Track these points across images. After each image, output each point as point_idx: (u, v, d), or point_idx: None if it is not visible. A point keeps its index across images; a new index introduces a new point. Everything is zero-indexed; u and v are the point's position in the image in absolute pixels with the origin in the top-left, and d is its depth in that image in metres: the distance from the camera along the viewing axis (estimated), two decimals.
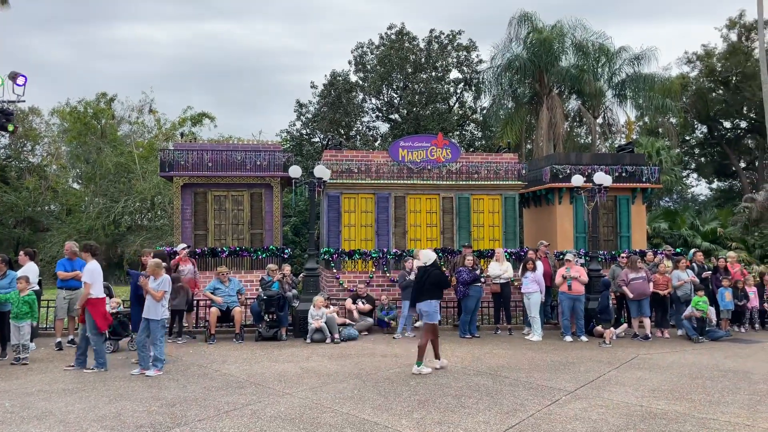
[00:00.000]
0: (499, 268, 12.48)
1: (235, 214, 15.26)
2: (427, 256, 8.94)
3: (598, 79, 26.48)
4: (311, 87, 30.14)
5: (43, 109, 35.24)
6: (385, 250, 14.33)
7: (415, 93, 28.81)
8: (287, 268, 12.30)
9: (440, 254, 14.27)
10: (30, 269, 10.13)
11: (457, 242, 15.04)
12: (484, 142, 30.94)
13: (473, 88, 30.68)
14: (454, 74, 30.71)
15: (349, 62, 30.50)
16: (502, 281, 12.40)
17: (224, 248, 14.54)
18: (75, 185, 33.83)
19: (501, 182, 15.41)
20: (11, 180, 31.41)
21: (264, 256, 14.52)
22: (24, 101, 12.91)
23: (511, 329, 12.45)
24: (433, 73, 29.40)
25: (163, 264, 8.86)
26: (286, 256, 14.65)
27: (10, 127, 12.42)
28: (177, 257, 11.71)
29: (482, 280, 12.26)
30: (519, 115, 26.65)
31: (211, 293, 11.44)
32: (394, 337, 11.62)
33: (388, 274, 14.03)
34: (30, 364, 9.02)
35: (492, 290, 12.69)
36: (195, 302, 12.09)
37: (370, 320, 12.30)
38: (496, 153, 16.57)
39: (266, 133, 37.71)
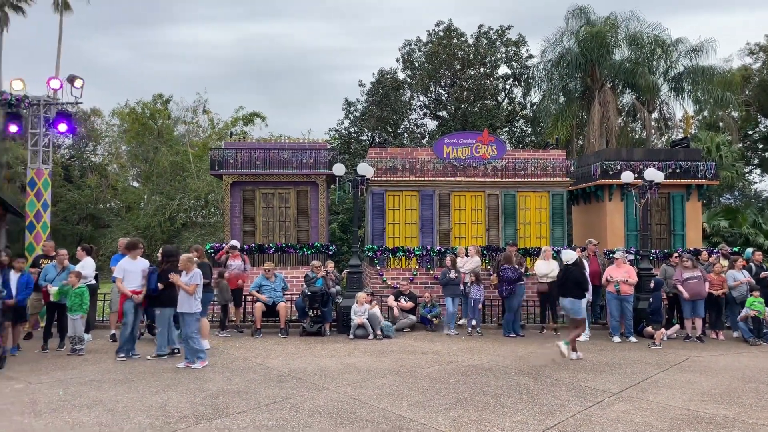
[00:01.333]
0: (546, 267, 12.25)
1: (282, 212, 15.54)
2: (568, 255, 9.65)
3: (653, 73, 25.63)
4: (359, 85, 30.38)
5: (103, 110, 36.77)
6: (429, 247, 14.29)
7: (463, 89, 28.60)
8: (330, 265, 12.45)
9: (485, 252, 14.15)
10: (86, 264, 10.59)
11: (502, 240, 14.86)
12: (533, 138, 30.43)
13: (523, 84, 30.23)
14: (503, 70, 30.35)
15: (397, 60, 30.55)
16: (548, 280, 12.18)
17: (271, 245, 14.83)
18: (134, 183, 35.12)
19: (548, 179, 15.13)
20: (75, 179, 32.87)
21: (309, 252, 14.72)
22: (81, 103, 13.52)
23: (557, 329, 12.22)
24: (482, 69, 29.11)
25: (194, 257, 9.26)
26: (330, 253, 14.81)
27: (62, 127, 12.98)
28: (221, 252, 12.09)
29: (524, 278, 12.08)
30: (570, 111, 26.08)
31: (257, 290, 11.70)
32: (448, 334, 11.59)
33: (431, 272, 13.99)
34: (85, 355, 9.44)
35: (539, 289, 12.46)
36: (243, 297, 12.39)
37: (413, 317, 12.31)
38: (544, 149, 16.27)
39: (315, 131, 38.39)
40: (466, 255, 12.64)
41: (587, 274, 10.49)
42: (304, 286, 11.86)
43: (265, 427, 5.82)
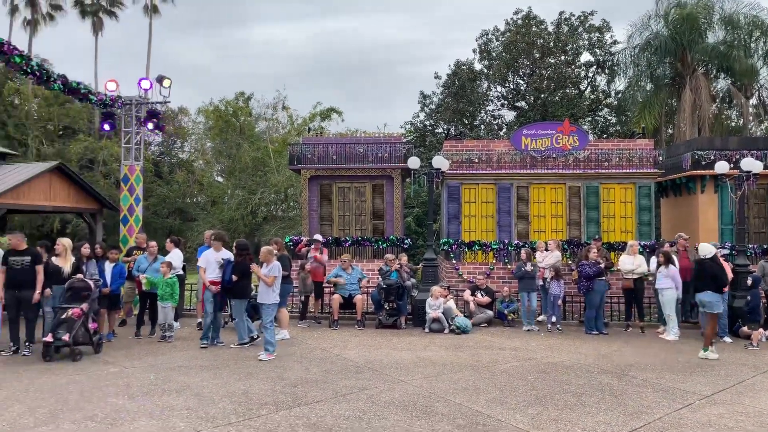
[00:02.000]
0: (631, 262, 11.71)
1: (358, 205, 15.70)
2: (706, 250, 9.66)
3: (751, 56, 23.91)
4: (435, 77, 30.17)
5: (190, 109, 38.51)
6: (506, 241, 14.01)
7: (543, 79, 27.82)
8: (404, 258, 12.45)
9: (565, 246, 13.71)
10: (175, 255, 11.10)
11: (584, 234, 14.35)
12: (618, 127, 29.17)
13: (607, 71, 29.02)
14: (586, 57, 29.24)
15: (474, 51, 30.12)
16: (634, 276, 11.64)
17: (347, 238, 15.02)
18: (218, 178, 36.61)
19: (634, 170, 14.44)
20: (164, 174, 34.65)
21: (384, 246, 14.80)
22: (169, 102, 14.19)
23: (643, 327, 11.66)
24: (563, 57, 28.20)
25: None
26: (406, 246, 14.83)
27: (152, 125, 13.63)
28: (300, 245, 12.38)
29: (608, 274, 11.60)
30: (658, 98, 24.77)
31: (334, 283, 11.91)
32: (526, 330, 11.35)
33: (509, 266, 13.71)
34: (174, 342, 9.92)
35: (624, 285, 11.94)
36: (322, 289, 12.62)
37: (490, 313, 12.11)
38: (630, 139, 15.54)
39: (391, 125, 38.54)
40: (546, 249, 12.29)
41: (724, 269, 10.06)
42: (380, 279, 11.92)
43: (343, 417, 5.89)
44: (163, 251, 11.30)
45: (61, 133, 35.26)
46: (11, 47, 10.81)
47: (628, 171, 14.44)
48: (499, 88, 29.91)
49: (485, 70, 29.42)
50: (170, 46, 68.94)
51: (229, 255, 9.90)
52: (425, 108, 30.18)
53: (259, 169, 31.72)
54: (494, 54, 29.32)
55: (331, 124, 34.54)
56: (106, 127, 14.03)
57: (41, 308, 9.20)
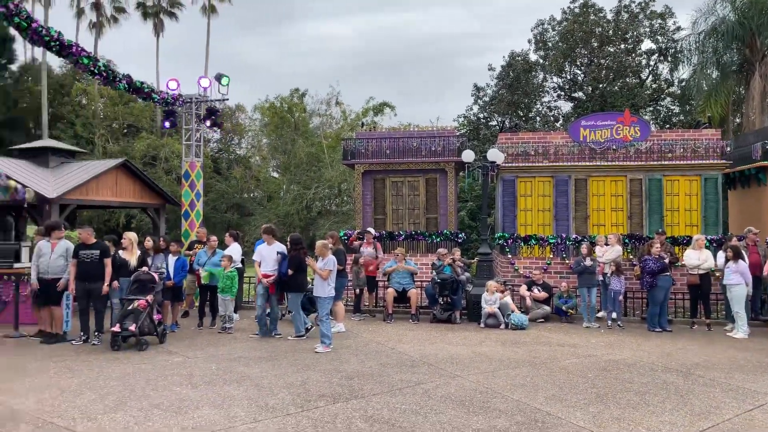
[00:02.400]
0: (697, 257, 11.24)
1: (412, 199, 15.67)
2: None
3: None
4: (489, 69, 29.78)
5: (247, 106, 39.36)
6: (564, 235, 13.69)
7: (602, 68, 27.03)
8: (457, 253, 12.35)
9: (626, 241, 13.29)
10: (234, 249, 11.38)
11: (646, 228, 13.87)
12: (682, 117, 28.03)
13: (669, 59, 27.89)
14: (647, 45, 28.21)
15: (529, 41, 29.54)
16: (700, 271, 11.17)
17: (401, 232, 15.03)
18: (274, 174, 37.33)
19: (700, 161, 13.84)
20: (222, 170, 35.57)
21: (438, 240, 14.73)
22: (227, 99, 14.52)
23: (710, 325, 11.19)
24: (623, 46, 27.30)
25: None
26: (460, 241, 14.71)
27: (209, 123, 13.97)
28: (351, 237, 12.49)
29: (672, 269, 11.17)
30: (725, 86, 23.61)
31: (387, 277, 11.95)
32: (586, 326, 11.09)
33: (567, 261, 13.40)
34: (234, 333, 10.18)
35: (689, 281, 11.48)
36: (376, 283, 12.69)
37: (547, 308, 11.88)
38: (694, 129, 14.90)
39: (443, 119, 38.21)
40: (606, 244, 11.94)
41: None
42: (433, 273, 11.88)
43: (399, 410, 5.90)
44: (223, 245, 11.60)
45: (125, 131, 36.70)
46: (79, 49, 11.30)
47: (693, 162, 13.85)
48: (555, 79, 29.25)
49: (541, 61, 28.81)
50: (227, 45, 70.61)
51: (282, 248, 10.07)
52: (479, 101, 29.82)
53: (313, 164, 32.14)
54: (550, 44, 28.67)
55: (383, 119, 34.65)
56: (167, 124, 14.49)
57: (109, 299, 9.61)
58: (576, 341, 9.75)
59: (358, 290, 12.03)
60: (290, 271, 9.61)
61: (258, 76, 71.73)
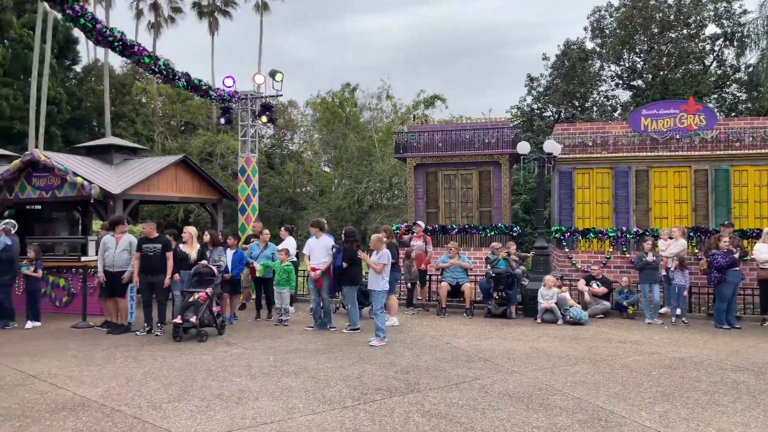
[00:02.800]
0: None
1: (464, 193, 15.50)
2: None
3: None
4: (543, 59, 29.07)
5: (299, 102, 39.83)
6: (624, 228, 13.26)
7: (662, 55, 25.99)
8: (512, 246, 12.14)
9: (691, 234, 12.75)
10: (289, 243, 11.53)
11: (712, 220, 13.27)
12: (749, 104, 26.68)
13: (735, 44, 26.56)
14: (711, 30, 26.94)
15: (585, 29, 28.68)
16: None
17: (454, 225, 14.88)
18: (326, 169, 37.68)
19: None
20: (276, 166, 36.16)
21: (492, 233, 14.51)
22: (281, 95, 14.68)
23: None
24: (685, 31, 26.16)
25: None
26: (514, 234, 14.46)
27: (263, 119, 14.18)
28: (401, 231, 12.48)
29: (740, 263, 10.64)
30: None
31: (440, 271, 11.86)
32: (648, 323, 10.73)
33: (627, 255, 12.97)
34: (290, 326, 10.33)
35: (759, 276, 10.92)
36: (428, 277, 12.61)
37: (607, 304, 11.54)
38: (765, 116, 14.14)
39: (496, 110, 37.69)
40: (670, 237, 11.49)
41: None
42: (488, 267, 11.72)
43: (456, 406, 5.84)
44: (278, 239, 11.77)
45: (182, 128, 37.78)
46: (141, 48, 11.66)
47: (763, 151, 13.15)
48: (613, 67, 28.32)
49: (598, 49, 27.95)
50: (277, 41, 71.67)
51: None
52: (532, 91, 29.20)
53: (365, 158, 32.25)
54: (608, 31, 27.76)
55: (434, 112, 34.42)
56: (223, 121, 14.78)
57: (171, 292, 9.91)
58: (638, 338, 9.43)
59: (410, 284, 11.98)
60: (344, 264, 9.65)
61: (307, 71, 72.58)
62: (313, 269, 9.94)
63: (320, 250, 10.02)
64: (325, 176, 35.41)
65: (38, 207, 15.27)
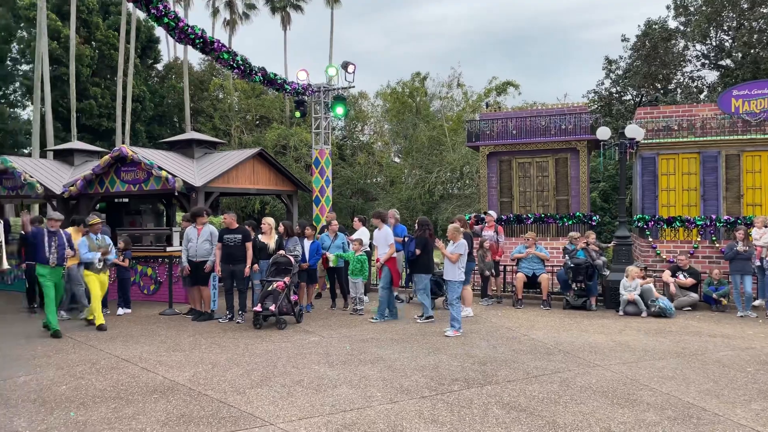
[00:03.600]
0: None
1: (540, 181, 15.10)
2: None
3: None
4: (622, 40, 27.86)
5: (369, 93, 40.03)
6: (714, 217, 12.53)
7: (753, 32, 24.32)
8: (592, 236, 11.71)
9: None
10: (362, 233, 11.62)
11: None
12: None
13: None
14: None
15: (667, 7, 27.25)
16: None
17: (529, 215, 14.55)
18: (396, 159, 37.73)
19: None
20: (347, 157, 36.55)
21: (570, 222, 14.09)
22: (354, 87, 14.78)
23: None
24: None
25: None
26: (593, 224, 13.97)
27: (341, 111, 14.27)
28: (470, 221, 12.34)
29: None
30: None
31: (516, 261, 11.62)
32: (740, 316, 10.13)
33: (717, 245, 12.26)
34: (364, 315, 10.43)
35: None
36: (502, 267, 12.40)
37: (694, 296, 10.96)
38: None
39: (571, 95, 36.48)
40: (765, 225, 10.76)
41: None
42: (566, 257, 11.38)
43: (537, 399, 5.71)
44: (351, 229, 11.89)
45: (257, 122, 38.82)
46: (220, 45, 12.04)
47: None
48: (698, 47, 26.78)
49: (681, 28, 26.49)
50: (349, 33, 72.27)
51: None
52: (611, 74, 28.07)
53: (435, 148, 32.04)
54: (692, 9, 26.25)
55: (506, 98, 33.70)
56: (299, 114, 15.03)
57: (251, 281, 10.22)
58: (729, 332, 8.90)
59: (487, 272, 11.81)
60: (417, 251, 9.66)
61: (375, 62, 72.91)
62: (377, 260, 10.09)
63: (381, 241, 10.12)
64: (395, 167, 35.48)
65: (125, 200, 16.12)
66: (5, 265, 8.85)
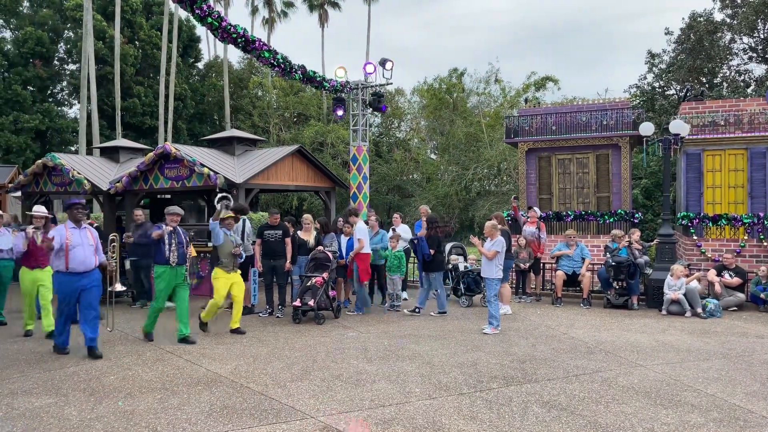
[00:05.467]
0: None
1: (580, 177, 14.87)
2: None
3: None
4: (665, 33, 27.14)
5: (405, 89, 39.98)
6: (762, 214, 12.14)
7: None
8: (636, 234, 11.48)
9: None
10: (401, 229, 11.67)
11: None
12: None
13: None
14: None
15: None
16: None
17: (569, 212, 14.35)
18: (432, 155, 37.63)
19: None
20: (383, 153, 36.61)
21: (611, 220, 13.85)
22: (391, 83, 14.80)
23: None
24: None
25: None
26: (635, 221, 13.70)
27: (376, 107, 14.29)
28: (513, 207, 12.32)
29: None
30: None
31: (556, 259, 11.49)
32: None
33: (765, 243, 11.88)
34: (401, 311, 10.46)
35: None
36: (542, 265, 12.26)
37: (741, 296, 10.65)
38: None
39: (612, 90, 35.72)
40: None
41: None
42: (607, 255, 11.19)
43: (577, 398, 5.65)
44: (388, 226, 11.92)
45: (295, 119, 39.21)
46: (261, 43, 12.22)
47: None
48: (745, 39, 25.89)
49: (728, 20, 25.66)
50: (386, 29, 72.30)
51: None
52: (653, 68, 27.39)
53: (472, 144, 31.82)
54: (739, 0, 25.39)
55: (545, 94, 33.26)
56: (339, 113, 15.11)
57: (290, 276, 10.36)
58: None
59: (522, 266, 11.70)
60: (432, 251, 9.85)
61: (413, 57, 72.69)
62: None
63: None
64: (431, 163, 35.38)
65: (168, 196, 16.50)
66: (118, 287, 8.58)
